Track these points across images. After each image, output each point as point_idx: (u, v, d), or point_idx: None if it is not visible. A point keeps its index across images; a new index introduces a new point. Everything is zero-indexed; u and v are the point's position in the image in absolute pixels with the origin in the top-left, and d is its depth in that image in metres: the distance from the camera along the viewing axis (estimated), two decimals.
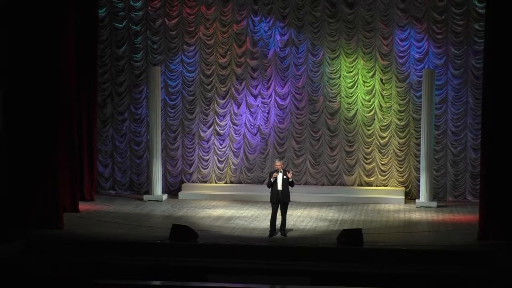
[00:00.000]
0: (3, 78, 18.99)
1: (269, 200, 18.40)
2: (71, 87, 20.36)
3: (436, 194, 22.75)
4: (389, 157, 23.28)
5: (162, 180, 23.35)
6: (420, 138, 22.43)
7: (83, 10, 21.57)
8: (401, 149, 23.20)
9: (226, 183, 23.99)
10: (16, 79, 18.95)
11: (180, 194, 23.43)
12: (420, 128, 22.44)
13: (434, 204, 21.95)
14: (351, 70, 23.28)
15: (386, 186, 23.31)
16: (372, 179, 23.41)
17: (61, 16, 19.25)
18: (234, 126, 23.82)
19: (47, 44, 18.90)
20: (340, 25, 23.19)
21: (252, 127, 23.77)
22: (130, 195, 23.80)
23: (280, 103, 23.59)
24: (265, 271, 16.21)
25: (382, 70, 23.14)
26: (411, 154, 23.16)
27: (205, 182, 24.05)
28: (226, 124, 23.86)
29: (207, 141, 23.98)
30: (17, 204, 18.83)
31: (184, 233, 17.58)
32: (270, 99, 23.65)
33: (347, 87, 23.31)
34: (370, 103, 23.25)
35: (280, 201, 18.11)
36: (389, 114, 23.22)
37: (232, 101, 23.78)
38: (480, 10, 22.24)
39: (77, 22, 20.95)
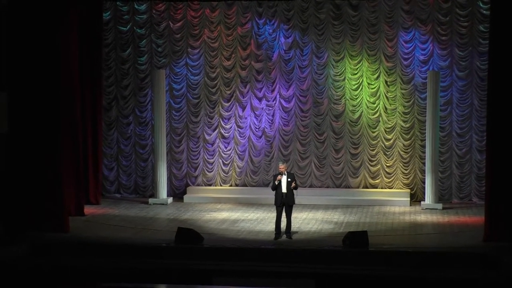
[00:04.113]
0: (7, 82, 19.01)
1: (273, 203, 18.40)
2: (76, 91, 20.35)
3: (441, 196, 22.70)
4: (394, 159, 23.25)
5: (167, 183, 23.34)
6: (425, 140, 22.40)
7: (87, 14, 21.58)
8: (406, 151, 23.17)
9: (231, 186, 23.98)
10: (20, 83, 18.95)
11: (185, 197, 23.43)
12: (425, 130, 22.40)
13: (440, 206, 21.91)
14: (356, 72, 23.25)
15: (391, 188, 23.27)
16: (377, 181, 23.38)
17: (63, 19, 19.25)
18: (239, 129, 23.81)
19: (50, 47, 18.89)
20: (345, 27, 23.17)
21: (257, 129, 23.76)
22: (135, 198, 23.80)
23: (285, 105, 23.57)
24: (270, 274, 16.22)
25: (386, 72, 23.11)
26: (416, 156, 23.13)
27: (210, 185, 24.04)
28: (231, 127, 23.86)
29: (212, 144, 23.97)
30: (22, 207, 18.84)
31: (189, 236, 17.59)
32: (275, 102, 23.64)
33: (351, 89, 23.29)
34: (375, 105, 23.23)
35: (284, 203, 18.10)
36: (394, 116, 23.19)
37: (237, 104, 23.78)
38: (484, 12, 22.19)
39: (81, 25, 20.98)
